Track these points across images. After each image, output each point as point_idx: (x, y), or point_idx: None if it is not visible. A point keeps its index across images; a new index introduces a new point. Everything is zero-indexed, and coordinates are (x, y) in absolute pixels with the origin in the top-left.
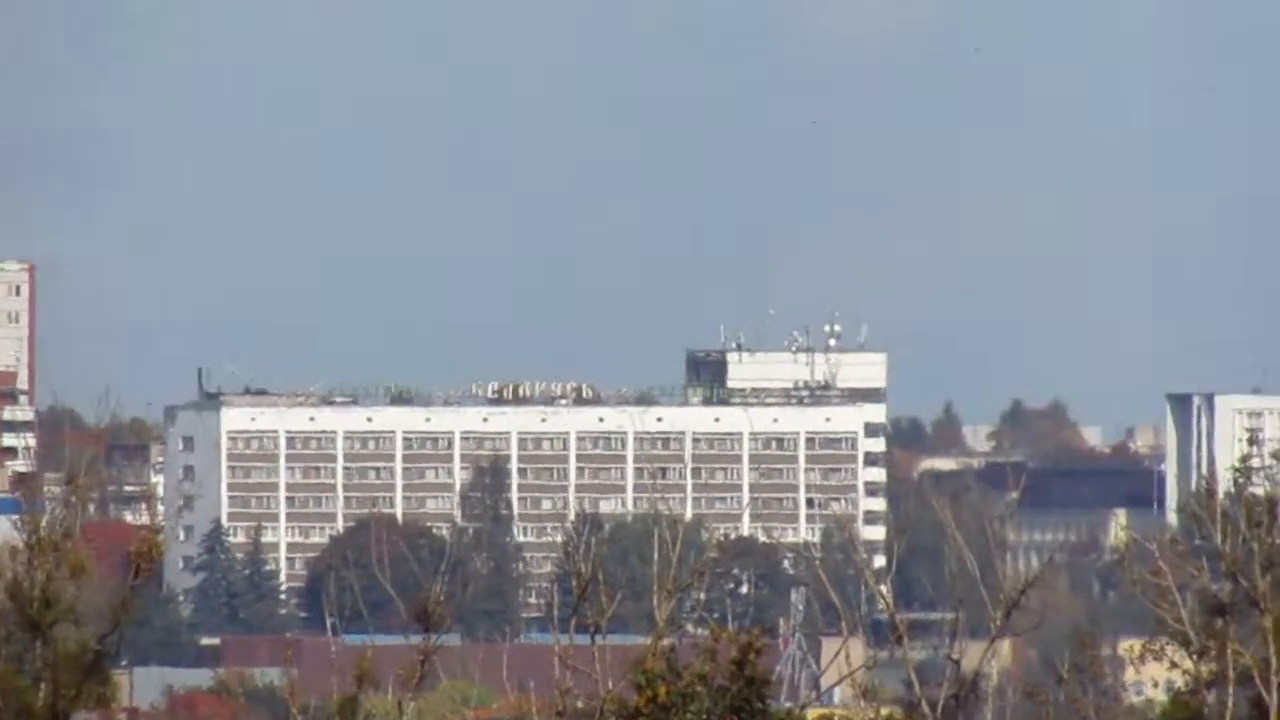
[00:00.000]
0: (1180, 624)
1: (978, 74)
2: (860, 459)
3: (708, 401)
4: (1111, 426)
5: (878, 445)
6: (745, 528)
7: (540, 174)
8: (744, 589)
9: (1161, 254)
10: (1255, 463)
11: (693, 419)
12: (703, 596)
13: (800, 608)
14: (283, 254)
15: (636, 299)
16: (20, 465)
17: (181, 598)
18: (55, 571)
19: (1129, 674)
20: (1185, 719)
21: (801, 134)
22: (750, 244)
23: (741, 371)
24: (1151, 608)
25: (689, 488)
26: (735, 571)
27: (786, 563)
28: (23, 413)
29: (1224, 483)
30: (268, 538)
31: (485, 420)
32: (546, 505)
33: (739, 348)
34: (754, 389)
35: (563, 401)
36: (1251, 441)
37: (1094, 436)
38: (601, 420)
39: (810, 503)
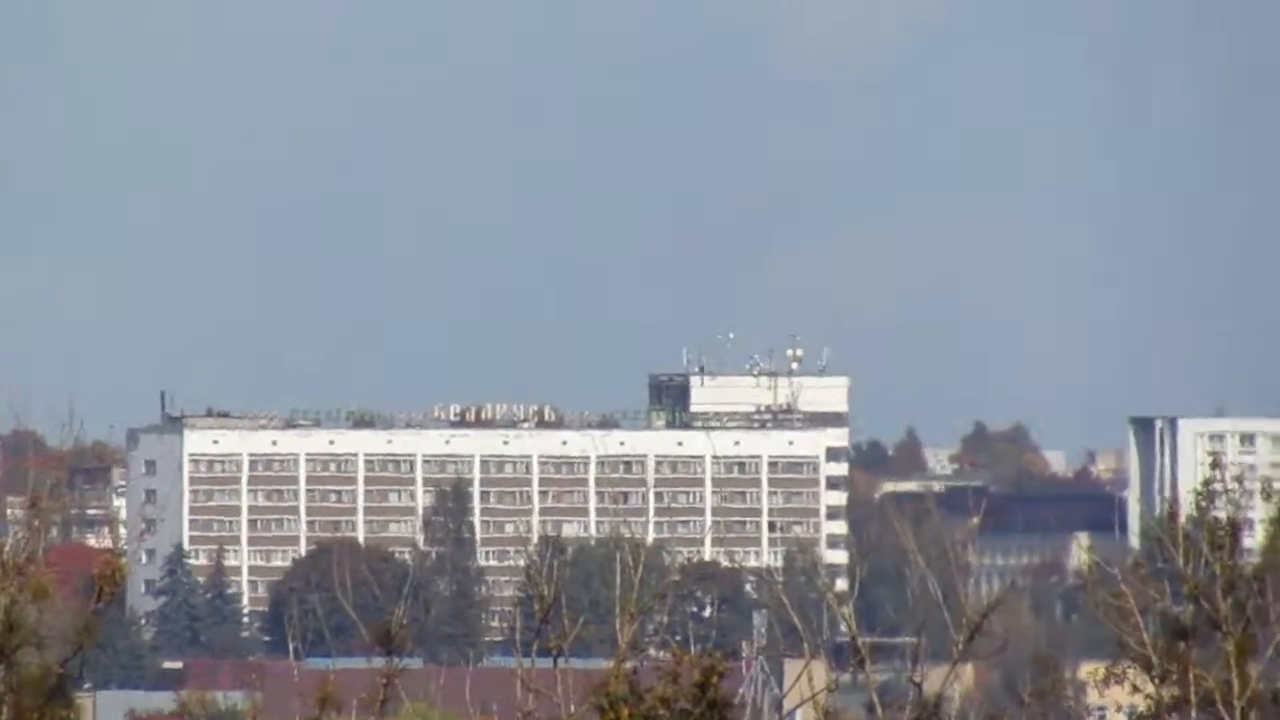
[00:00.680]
0: (1142, 647)
1: (941, 99)
2: (822, 483)
3: (670, 425)
4: (1074, 450)
5: (840, 469)
6: (708, 551)
7: (505, 201)
8: (706, 612)
9: (1124, 278)
10: (1217, 486)
11: (655, 442)
12: (665, 620)
13: (762, 631)
14: (244, 277)
15: (599, 323)
16: None
17: (144, 621)
18: (18, 595)
19: (1091, 697)
20: None
21: (763, 157)
22: (713, 268)
23: (704, 395)
24: (1114, 631)
25: (651, 511)
26: (697, 595)
27: (749, 586)
28: None
29: (1186, 506)
30: (230, 561)
31: (447, 443)
32: (509, 528)
33: (701, 371)
34: (716, 413)
35: (525, 425)
36: (1214, 465)
37: (1056, 460)
38: (564, 444)
39: (772, 526)
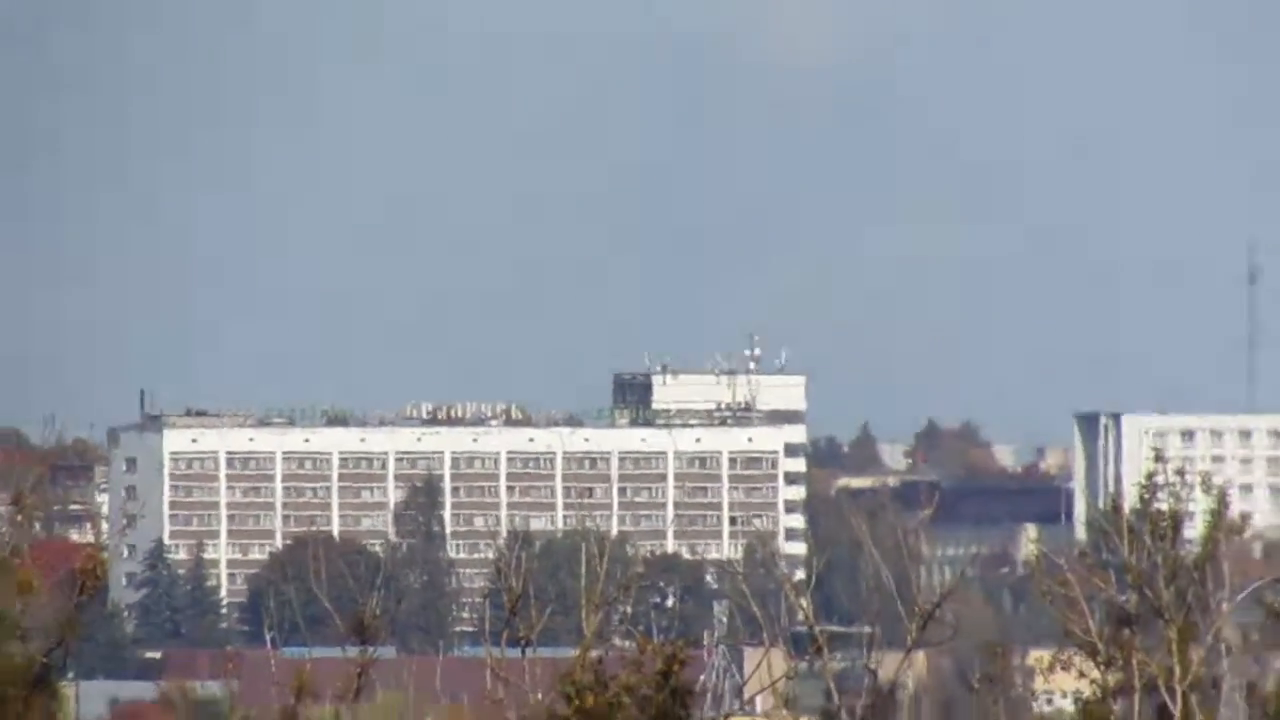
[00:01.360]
0: (1088, 634)
1: (895, 106)
2: (781, 478)
3: (634, 422)
4: (1023, 447)
5: (798, 465)
6: (670, 544)
7: (472, 200)
8: (669, 603)
9: (1070, 278)
10: (1160, 479)
11: (619, 439)
12: (629, 610)
13: (723, 620)
14: (222, 279)
15: (565, 323)
16: None
17: (125, 613)
18: (3, 589)
19: (1039, 683)
20: None
21: (724, 160)
22: (675, 270)
23: (666, 393)
24: (1061, 619)
25: (615, 505)
26: (660, 586)
27: (710, 577)
28: None
29: (1130, 499)
30: (209, 554)
31: (419, 440)
32: (478, 523)
33: (664, 370)
34: (678, 410)
35: (494, 422)
36: (1156, 459)
37: (1006, 456)
38: (531, 440)
39: (733, 520)
